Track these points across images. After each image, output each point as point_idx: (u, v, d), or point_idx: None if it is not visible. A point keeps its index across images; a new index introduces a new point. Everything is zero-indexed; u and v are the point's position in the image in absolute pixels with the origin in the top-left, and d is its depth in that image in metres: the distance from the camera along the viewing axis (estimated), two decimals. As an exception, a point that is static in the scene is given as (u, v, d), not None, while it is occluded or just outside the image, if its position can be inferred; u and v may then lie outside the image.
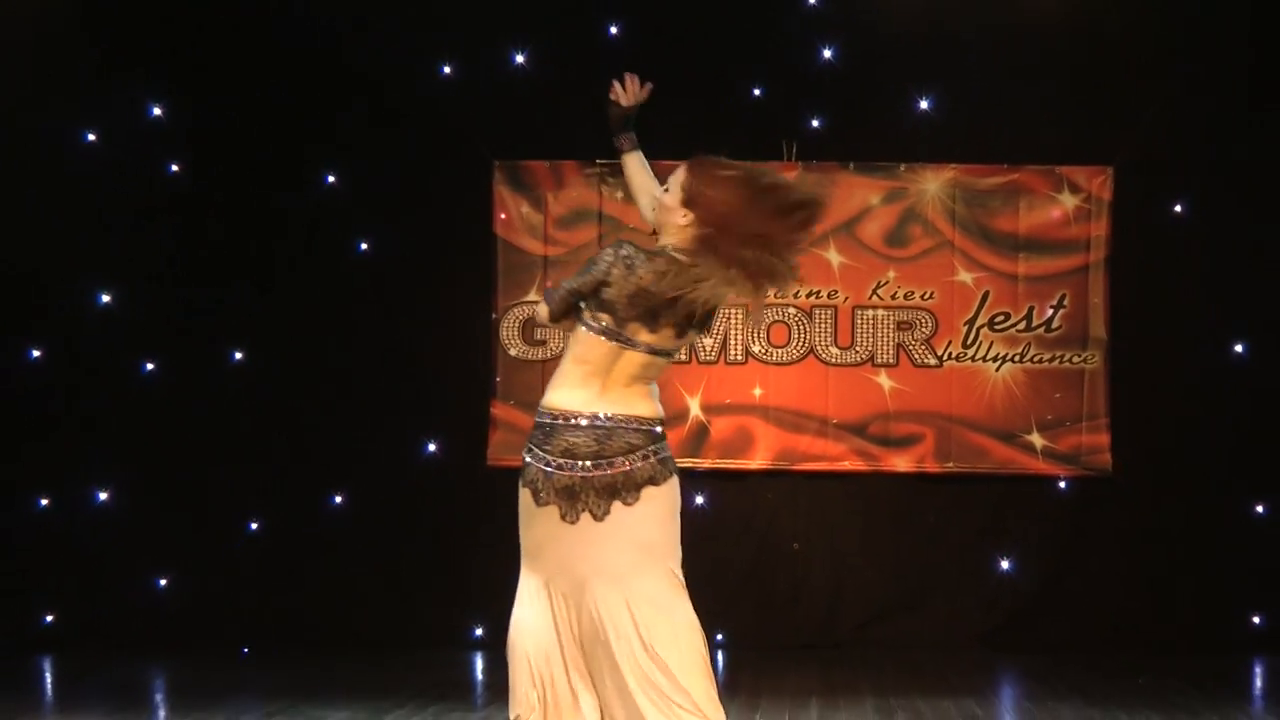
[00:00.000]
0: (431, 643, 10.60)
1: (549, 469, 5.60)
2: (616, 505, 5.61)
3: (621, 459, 5.71)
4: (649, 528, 5.67)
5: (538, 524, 5.60)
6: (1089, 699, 8.84)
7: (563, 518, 5.56)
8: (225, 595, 10.70)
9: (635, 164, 6.16)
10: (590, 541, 5.57)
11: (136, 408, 10.84)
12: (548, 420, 5.66)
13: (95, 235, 10.83)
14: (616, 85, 6.11)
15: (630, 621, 5.50)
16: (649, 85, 6.10)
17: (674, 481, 5.74)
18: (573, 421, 5.64)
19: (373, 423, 10.85)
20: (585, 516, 5.57)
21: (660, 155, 10.87)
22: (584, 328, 5.63)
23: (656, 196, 5.80)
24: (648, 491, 5.68)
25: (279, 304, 10.86)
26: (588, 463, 5.60)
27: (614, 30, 10.82)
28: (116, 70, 10.75)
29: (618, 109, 6.12)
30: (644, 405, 5.83)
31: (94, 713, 8.12)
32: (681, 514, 5.74)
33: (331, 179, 10.88)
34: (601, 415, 5.64)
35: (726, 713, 5.57)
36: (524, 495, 5.61)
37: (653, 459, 5.71)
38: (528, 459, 5.64)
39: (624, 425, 5.72)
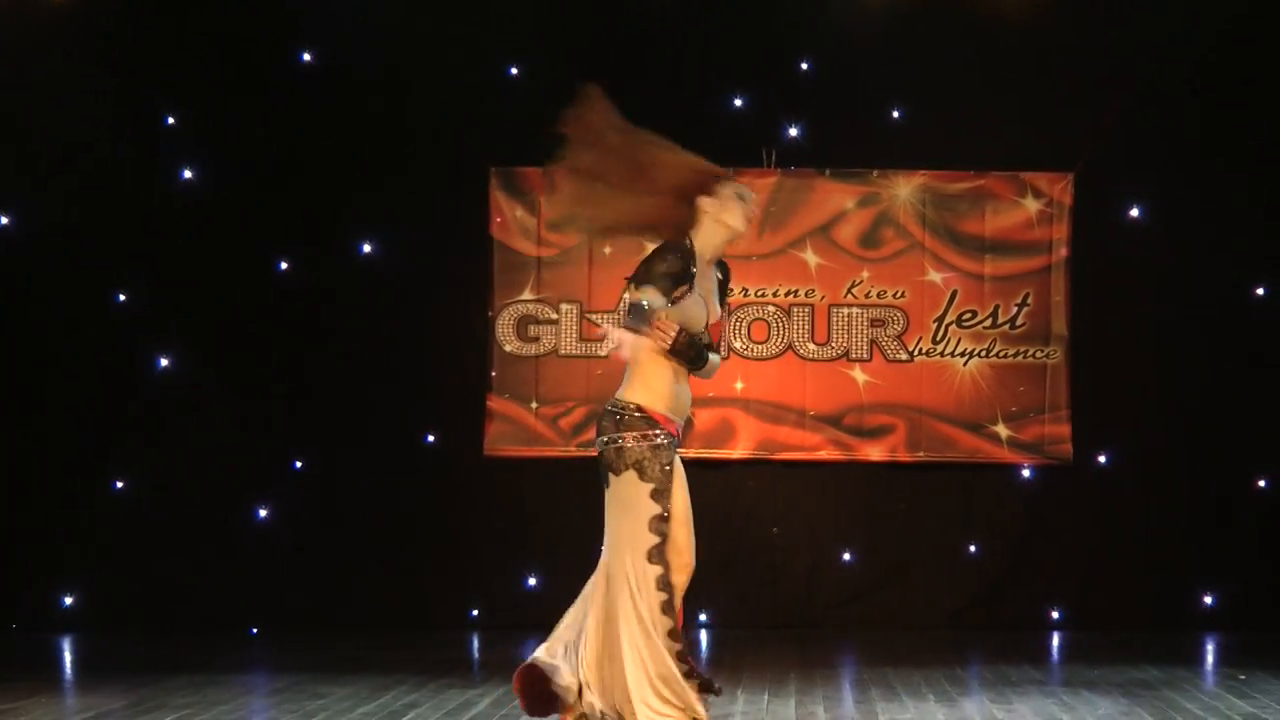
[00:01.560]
0: (431, 623, 10.66)
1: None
2: (606, 485, 6.14)
3: (597, 441, 6.16)
4: (610, 517, 6.14)
5: None
6: (1052, 674, 8.91)
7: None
8: (235, 579, 10.74)
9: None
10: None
11: (149, 399, 10.90)
12: None
13: (107, 236, 10.89)
14: None
15: (593, 585, 6.19)
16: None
17: (629, 477, 6.02)
18: None
19: (375, 415, 10.89)
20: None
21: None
22: None
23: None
24: (611, 480, 6.11)
25: (287, 303, 10.91)
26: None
27: (602, 41, 10.86)
28: (127, 80, 10.82)
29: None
30: (625, 387, 6.13)
31: (109, 691, 8.10)
32: None
33: (337, 184, 10.93)
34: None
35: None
36: None
37: (610, 448, 6.08)
38: None
39: (607, 407, 6.13)
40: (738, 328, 10.80)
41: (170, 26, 10.88)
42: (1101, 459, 10.83)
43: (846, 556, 10.97)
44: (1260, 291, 10.81)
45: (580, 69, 10.64)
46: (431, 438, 10.95)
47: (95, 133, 10.75)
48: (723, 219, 6.19)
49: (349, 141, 10.89)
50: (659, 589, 6.06)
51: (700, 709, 6.09)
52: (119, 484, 10.89)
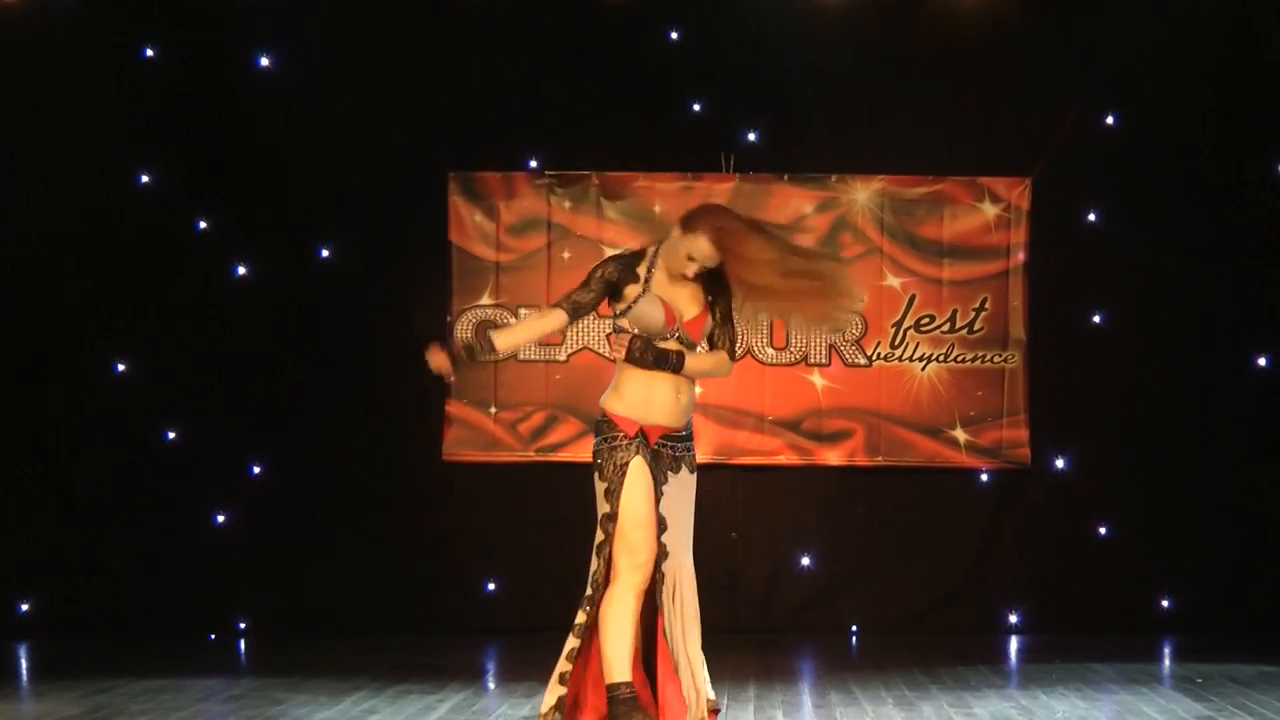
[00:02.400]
0: (389, 628, 10.57)
1: None
2: None
3: None
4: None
5: None
6: (1009, 678, 8.89)
7: None
8: (194, 585, 10.65)
9: (503, 337, 6.22)
10: None
11: (105, 403, 10.78)
12: None
13: (63, 239, 10.76)
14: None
15: None
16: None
17: (594, 477, 6.20)
18: None
19: (334, 419, 10.80)
20: None
21: (606, 167, 10.99)
22: None
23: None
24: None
25: (245, 307, 10.81)
26: None
27: (561, 48, 10.80)
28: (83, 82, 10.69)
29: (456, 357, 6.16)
30: (604, 394, 6.32)
31: (65, 698, 8.02)
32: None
33: (295, 189, 10.83)
34: None
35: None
36: None
37: (593, 452, 6.27)
38: None
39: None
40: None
41: (127, 30, 10.77)
42: (1059, 463, 10.79)
43: (805, 561, 10.91)
44: (1219, 295, 10.78)
45: (540, 75, 10.77)
46: (391, 442, 10.84)
47: (51, 135, 10.61)
48: (681, 249, 6.25)
49: (307, 146, 10.77)
50: (589, 584, 6.25)
51: (543, 709, 6.23)
52: (77, 488, 10.74)
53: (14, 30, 10.59)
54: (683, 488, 6.36)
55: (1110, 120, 10.78)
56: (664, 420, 6.28)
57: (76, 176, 10.73)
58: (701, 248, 6.18)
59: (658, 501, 6.23)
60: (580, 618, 6.26)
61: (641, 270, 6.23)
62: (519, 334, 6.45)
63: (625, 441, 6.18)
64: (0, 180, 10.68)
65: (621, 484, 6.14)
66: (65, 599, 10.63)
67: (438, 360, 6.07)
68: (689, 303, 6.35)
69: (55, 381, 10.77)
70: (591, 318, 6.37)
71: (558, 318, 6.17)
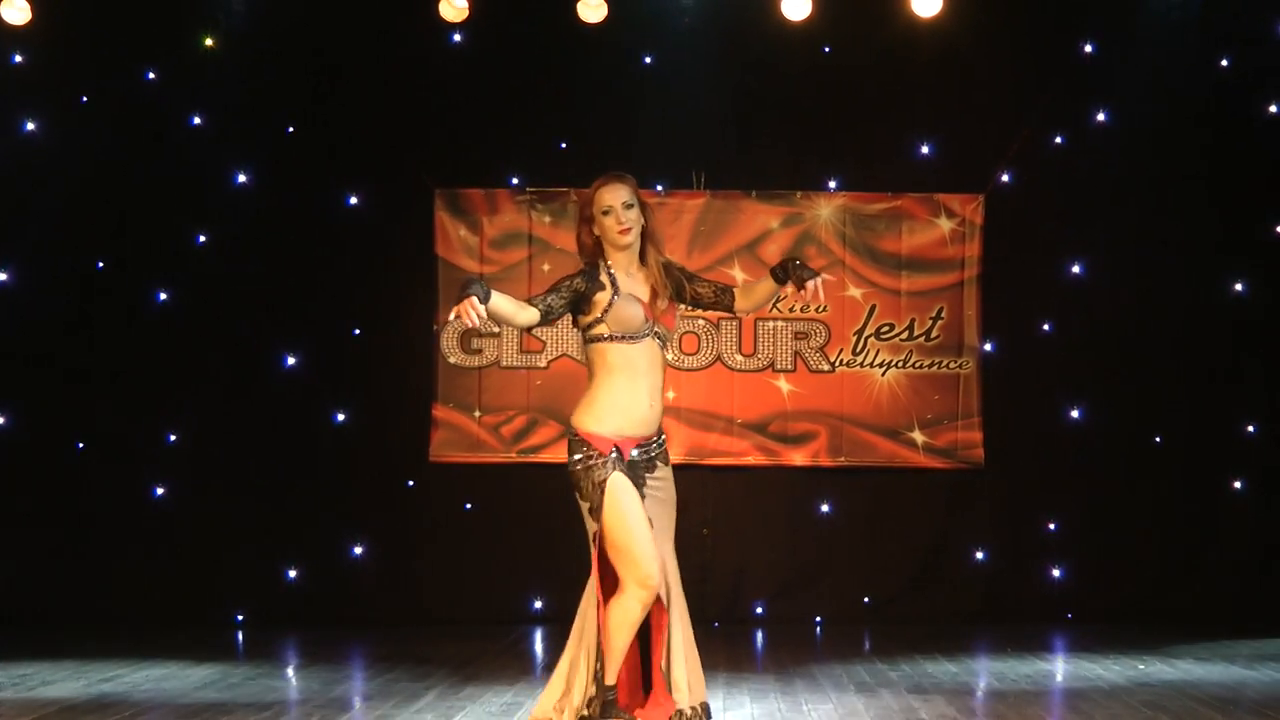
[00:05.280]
0: (377, 621, 10.57)
1: None
2: None
3: None
4: None
5: None
6: (965, 666, 8.91)
7: None
8: (193, 577, 10.67)
9: (497, 304, 5.89)
10: None
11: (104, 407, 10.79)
12: None
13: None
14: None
15: None
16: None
17: (580, 501, 6.01)
18: None
19: (326, 423, 10.84)
20: None
21: (577, 182, 11.02)
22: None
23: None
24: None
25: (246, 315, 10.84)
26: None
27: (541, 72, 10.84)
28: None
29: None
30: (576, 409, 6.12)
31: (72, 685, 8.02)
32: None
33: (293, 206, 10.87)
34: None
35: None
36: None
37: (568, 471, 6.06)
38: None
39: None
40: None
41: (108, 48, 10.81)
42: (1010, 462, 10.83)
43: (772, 556, 10.92)
44: (1162, 304, 10.85)
45: (521, 97, 10.79)
46: (380, 444, 10.85)
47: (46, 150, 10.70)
48: (606, 241, 6.11)
49: (304, 162, 10.82)
50: (587, 596, 6.08)
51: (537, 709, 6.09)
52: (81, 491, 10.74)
53: None
54: (662, 486, 6.14)
55: (1059, 140, 10.86)
56: (637, 431, 6.04)
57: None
58: (602, 226, 6.06)
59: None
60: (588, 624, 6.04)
61: (605, 279, 6.06)
62: (505, 308, 5.89)
63: (600, 460, 5.93)
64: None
65: (603, 502, 5.91)
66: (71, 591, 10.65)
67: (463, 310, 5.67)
68: (651, 294, 6.13)
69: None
70: (567, 324, 6.20)
71: (532, 314, 5.97)
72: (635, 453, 6.04)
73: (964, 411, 10.84)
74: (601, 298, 6.05)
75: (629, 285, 6.10)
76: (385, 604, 10.73)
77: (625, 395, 6.03)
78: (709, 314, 10.67)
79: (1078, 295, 10.86)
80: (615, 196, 6.05)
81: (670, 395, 10.73)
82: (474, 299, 5.65)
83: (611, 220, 6.03)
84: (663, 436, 6.19)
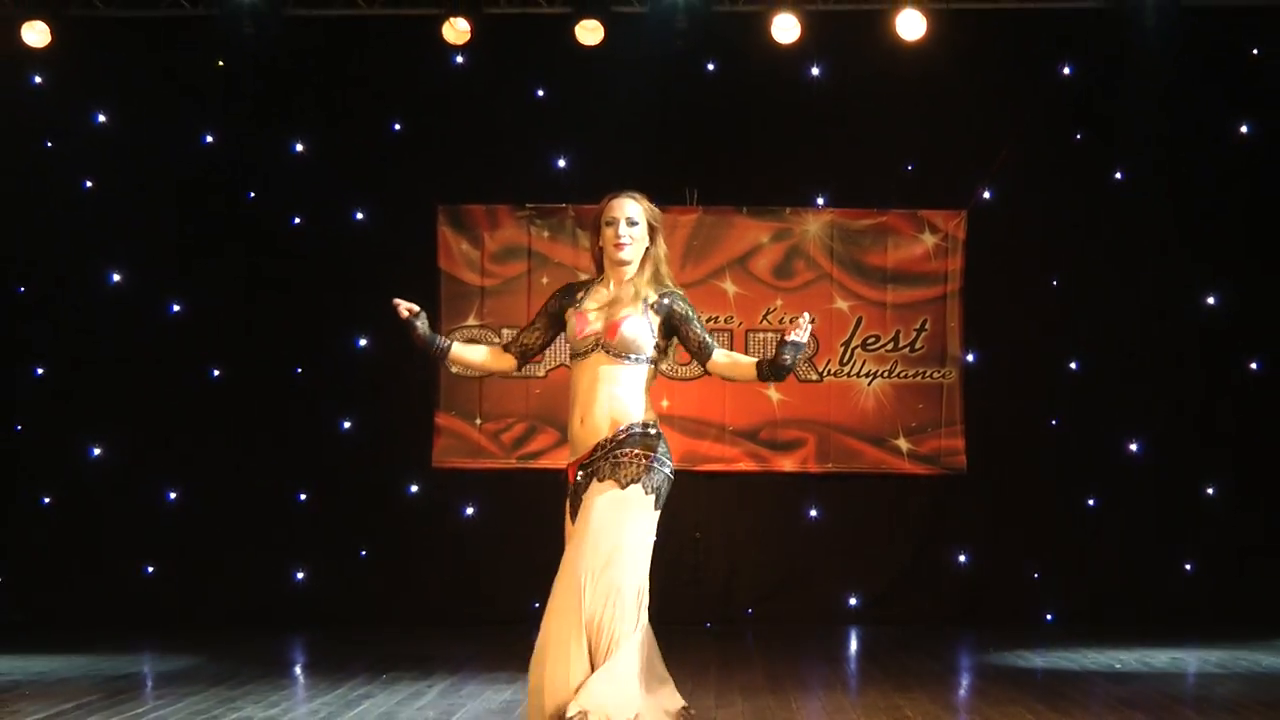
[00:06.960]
0: (382, 619, 10.60)
1: None
2: None
3: None
4: None
5: None
6: (947, 665, 8.95)
7: None
8: (202, 581, 10.72)
9: (460, 350, 5.97)
10: None
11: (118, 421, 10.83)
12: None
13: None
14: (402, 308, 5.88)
15: None
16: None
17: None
18: None
19: (335, 430, 10.88)
20: None
21: (575, 198, 11.05)
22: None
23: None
24: None
25: (256, 326, 10.90)
26: None
27: (540, 92, 10.91)
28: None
29: (417, 333, 5.93)
30: None
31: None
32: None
33: (300, 221, 10.96)
34: None
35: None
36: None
37: None
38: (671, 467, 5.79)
39: None
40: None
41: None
42: (991, 469, 10.87)
43: (762, 558, 10.96)
44: (1135, 314, 10.90)
45: (521, 117, 10.84)
46: (384, 451, 10.89)
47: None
48: (604, 253, 5.88)
49: (316, 186, 10.91)
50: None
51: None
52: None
53: None
54: (599, 499, 5.68)
55: (1039, 155, 10.85)
56: (577, 454, 5.68)
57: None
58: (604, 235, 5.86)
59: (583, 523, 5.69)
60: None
61: (581, 293, 5.83)
62: (473, 359, 5.90)
63: (569, 487, 5.75)
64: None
65: (567, 527, 5.82)
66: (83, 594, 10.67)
67: (404, 316, 5.83)
68: (621, 309, 5.74)
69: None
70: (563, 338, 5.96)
71: (508, 362, 5.88)
72: (579, 476, 5.68)
73: (947, 420, 10.89)
74: (570, 314, 5.81)
75: (598, 299, 5.80)
76: (389, 605, 10.76)
77: (571, 418, 5.74)
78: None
79: (1056, 308, 10.90)
80: (621, 210, 5.91)
81: (664, 404, 10.78)
82: (417, 333, 5.86)
83: (611, 232, 5.85)
84: (626, 442, 5.64)
